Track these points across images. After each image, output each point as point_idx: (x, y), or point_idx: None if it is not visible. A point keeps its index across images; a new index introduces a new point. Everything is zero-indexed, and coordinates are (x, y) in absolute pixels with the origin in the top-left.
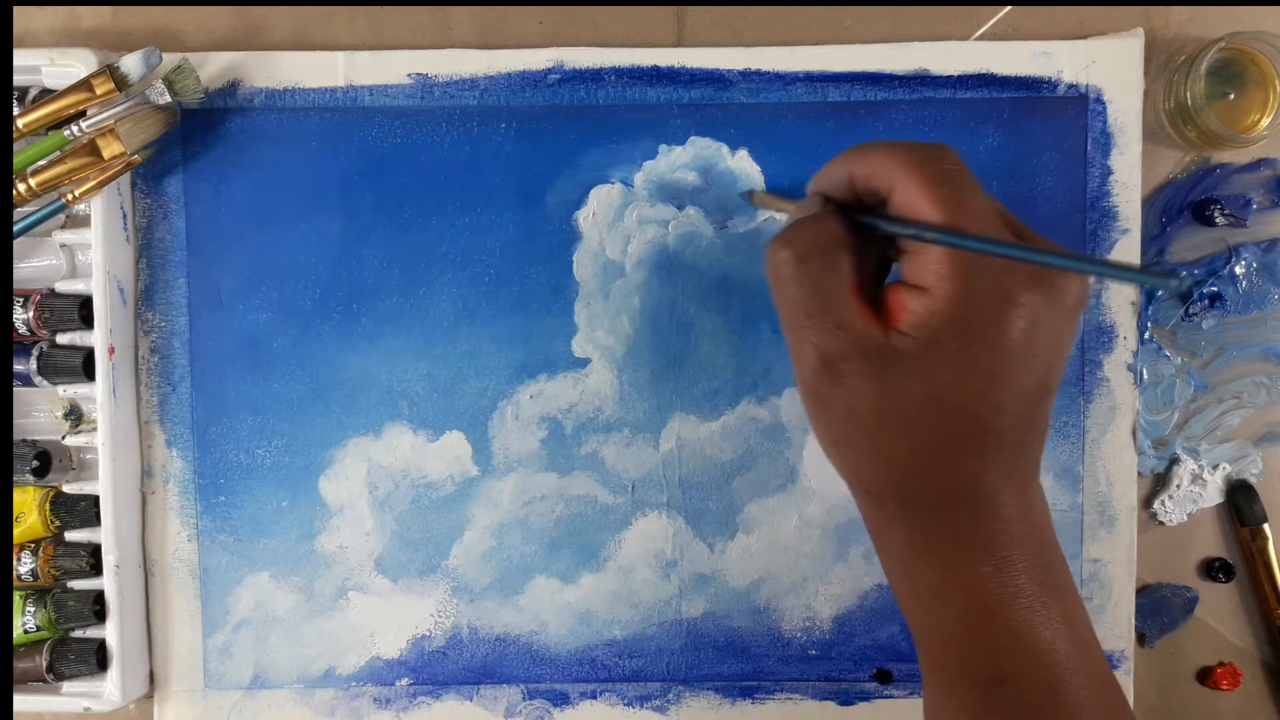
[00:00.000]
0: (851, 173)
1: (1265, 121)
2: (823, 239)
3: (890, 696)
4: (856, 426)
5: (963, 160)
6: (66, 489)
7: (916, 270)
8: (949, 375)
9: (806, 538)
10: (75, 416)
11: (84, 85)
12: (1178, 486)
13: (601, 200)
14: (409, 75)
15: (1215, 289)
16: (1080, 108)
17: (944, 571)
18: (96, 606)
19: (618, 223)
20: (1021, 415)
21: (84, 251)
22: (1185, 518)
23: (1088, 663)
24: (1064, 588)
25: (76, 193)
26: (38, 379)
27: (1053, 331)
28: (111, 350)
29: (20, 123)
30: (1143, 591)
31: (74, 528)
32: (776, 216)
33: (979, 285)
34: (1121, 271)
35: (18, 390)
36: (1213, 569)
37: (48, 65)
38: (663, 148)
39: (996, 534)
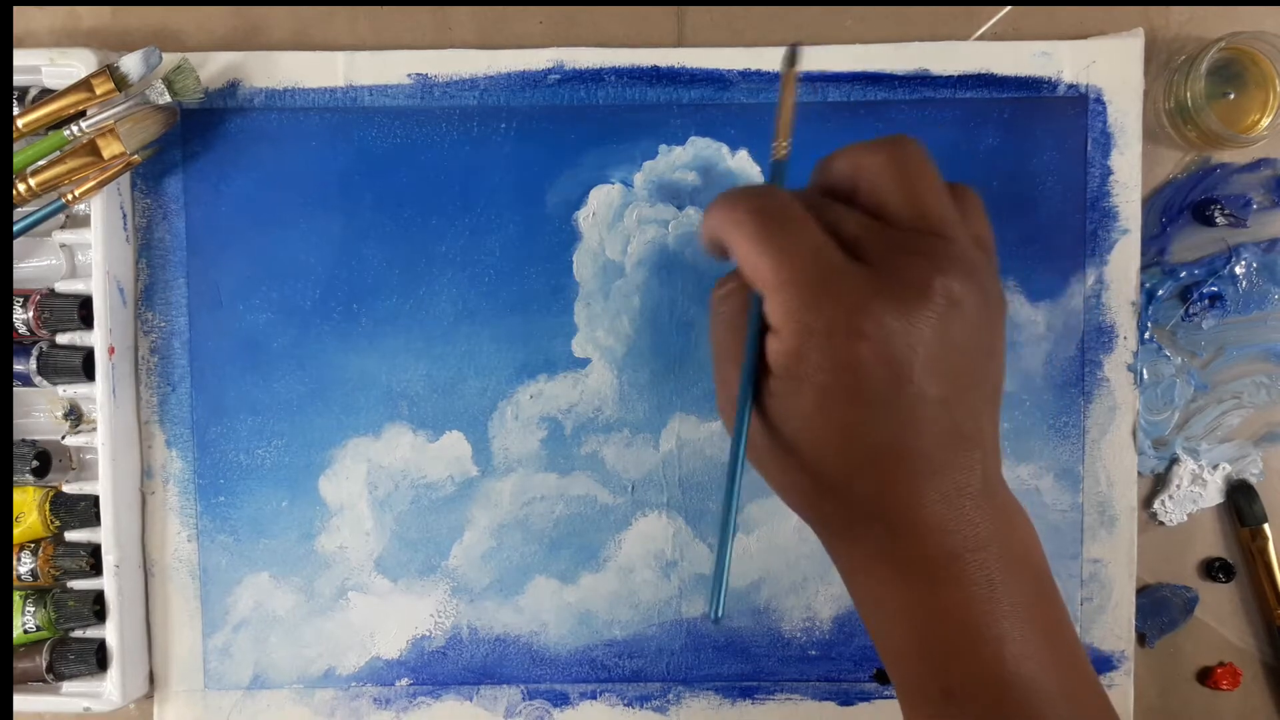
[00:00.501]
0: (706, 232)
1: (1265, 121)
2: (731, 287)
3: (890, 697)
4: (756, 460)
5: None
6: (66, 489)
7: (770, 313)
8: (809, 406)
9: (806, 538)
10: (75, 416)
11: (84, 85)
12: (1178, 486)
13: (601, 200)
14: (409, 75)
15: (1215, 289)
16: (1080, 108)
17: (880, 585)
18: (96, 606)
19: (618, 223)
20: (919, 433)
21: (84, 251)
22: (1185, 518)
23: (1056, 672)
24: (1021, 601)
25: (76, 193)
26: (37, 379)
27: (926, 334)
28: (111, 350)
29: (20, 123)
30: (1143, 591)
31: (74, 528)
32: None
33: (816, 321)
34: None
35: (17, 390)
36: (1213, 569)
37: (48, 65)
38: (663, 148)
39: (925, 551)
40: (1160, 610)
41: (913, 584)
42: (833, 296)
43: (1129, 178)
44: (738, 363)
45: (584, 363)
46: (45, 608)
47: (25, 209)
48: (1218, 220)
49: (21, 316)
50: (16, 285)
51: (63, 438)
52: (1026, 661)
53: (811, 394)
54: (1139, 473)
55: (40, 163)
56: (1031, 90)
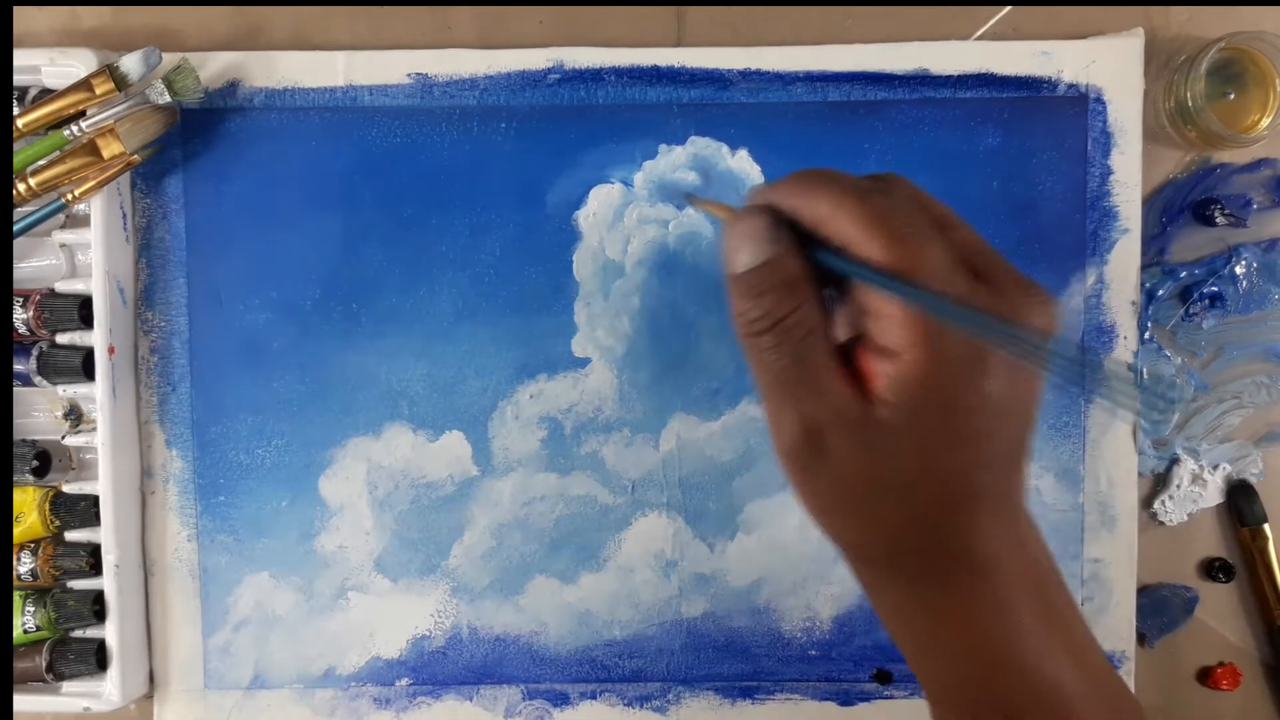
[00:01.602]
0: (796, 210)
1: (1265, 121)
2: (799, 297)
3: (890, 697)
4: (843, 496)
5: (915, 188)
6: (66, 489)
7: (884, 333)
8: (936, 443)
9: (806, 538)
10: (75, 416)
11: (84, 85)
12: (1178, 486)
13: (601, 200)
14: (409, 75)
15: (1215, 289)
16: (1080, 107)
17: (944, 623)
18: (96, 606)
19: (618, 223)
20: (1009, 462)
21: (84, 251)
22: (1185, 518)
23: (1096, 688)
24: (1064, 615)
25: (76, 192)
26: (37, 379)
27: (1029, 373)
28: (111, 350)
29: (20, 122)
30: (1143, 591)
31: (74, 528)
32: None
33: (950, 349)
34: (1062, 361)
35: (17, 390)
36: (1213, 569)
37: (48, 65)
38: (663, 147)
39: (993, 584)
40: (1161, 610)
41: (980, 617)
42: None
43: (1129, 177)
44: (816, 386)
45: (584, 362)
46: (45, 607)
47: (25, 209)
48: (1218, 220)
49: (21, 316)
50: (16, 285)
51: (63, 438)
52: (1085, 671)
53: (938, 430)
54: (1139, 473)
55: (40, 162)
56: (1032, 90)
